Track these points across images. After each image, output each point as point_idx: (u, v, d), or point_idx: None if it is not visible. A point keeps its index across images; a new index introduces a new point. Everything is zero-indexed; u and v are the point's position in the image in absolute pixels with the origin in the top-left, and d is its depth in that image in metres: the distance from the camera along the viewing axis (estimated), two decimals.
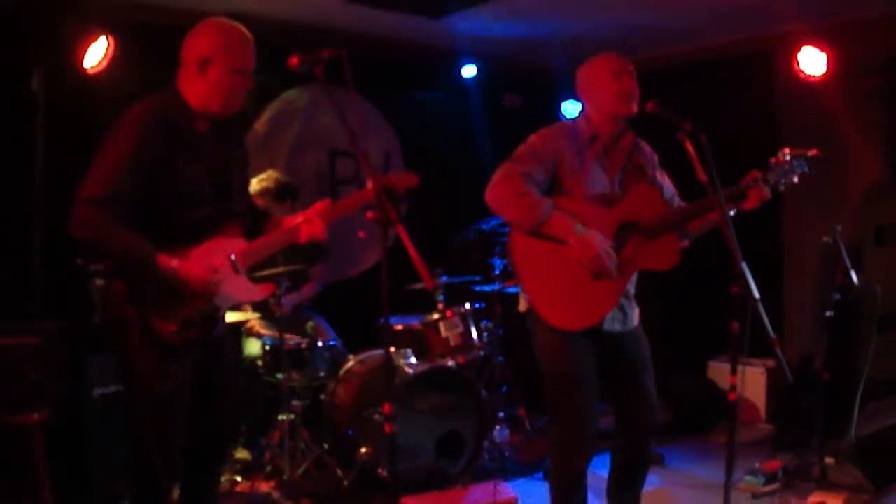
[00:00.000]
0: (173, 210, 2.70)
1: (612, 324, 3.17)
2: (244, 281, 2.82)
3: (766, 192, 3.03)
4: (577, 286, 3.06)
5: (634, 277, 3.25)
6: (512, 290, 5.11)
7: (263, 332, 4.75)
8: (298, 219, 2.93)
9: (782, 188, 3.06)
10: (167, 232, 2.69)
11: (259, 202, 4.70)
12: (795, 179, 3.05)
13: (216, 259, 2.73)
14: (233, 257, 2.78)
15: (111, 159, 2.60)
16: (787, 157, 3.01)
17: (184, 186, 2.70)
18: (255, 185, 4.71)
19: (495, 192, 3.07)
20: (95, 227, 2.56)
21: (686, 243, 3.24)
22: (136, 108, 2.69)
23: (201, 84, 2.73)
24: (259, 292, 2.94)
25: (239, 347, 4.82)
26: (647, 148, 3.35)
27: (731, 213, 3.10)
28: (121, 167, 2.59)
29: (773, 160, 3.04)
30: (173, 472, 2.84)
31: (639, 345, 3.26)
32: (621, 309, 3.19)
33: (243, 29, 2.82)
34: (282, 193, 4.78)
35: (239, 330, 4.81)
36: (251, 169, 3.18)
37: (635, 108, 3.12)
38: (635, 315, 3.28)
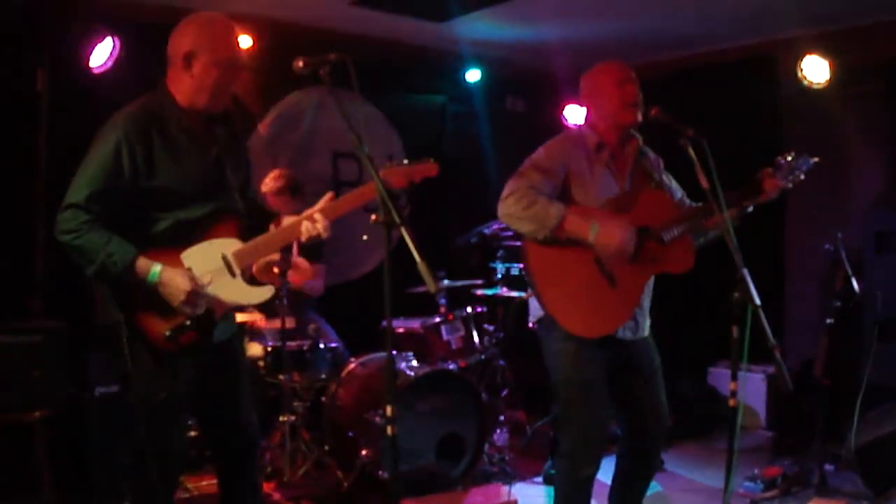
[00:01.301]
0: (162, 210, 2.65)
1: (624, 331, 3.18)
2: (240, 283, 2.72)
3: (781, 182, 3.06)
4: (594, 294, 3.07)
5: (650, 287, 3.26)
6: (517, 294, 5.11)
7: (265, 332, 4.76)
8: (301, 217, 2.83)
9: (790, 186, 3.10)
10: (157, 233, 2.65)
11: (276, 200, 4.72)
12: (802, 177, 3.12)
13: (209, 261, 2.66)
14: (228, 257, 2.70)
15: (91, 163, 2.59)
16: (792, 157, 3.06)
17: (171, 185, 2.64)
18: (269, 183, 4.76)
19: (505, 208, 3.08)
20: (73, 231, 2.54)
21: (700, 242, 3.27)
22: (119, 112, 2.67)
23: (187, 79, 2.70)
24: (258, 295, 2.80)
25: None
26: (651, 153, 3.37)
27: (749, 209, 3.13)
28: (100, 169, 2.58)
29: (779, 159, 3.08)
30: (171, 480, 2.80)
31: (649, 352, 3.27)
32: (633, 317, 3.20)
33: (226, 19, 2.77)
34: (296, 189, 4.83)
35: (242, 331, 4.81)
36: (252, 169, 3.09)
37: (640, 116, 3.13)
38: (646, 324, 3.29)
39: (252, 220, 2.87)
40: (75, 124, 4.65)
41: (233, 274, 2.70)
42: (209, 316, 2.68)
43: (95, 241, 2.54)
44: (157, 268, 2.58)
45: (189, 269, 2.62)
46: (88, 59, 4.53)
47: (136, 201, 2.63)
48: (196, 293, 2.58)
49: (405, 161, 2.88)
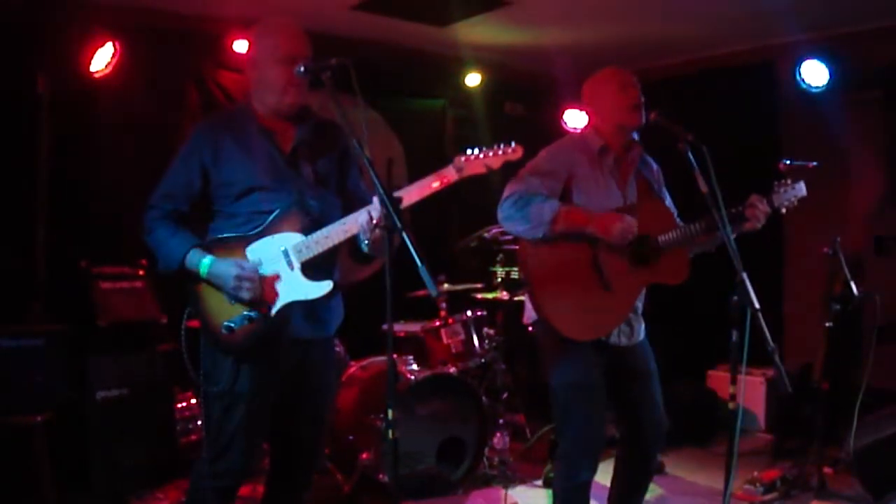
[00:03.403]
0: (235, 203, 2.74)
1: (618, 337, 3.19)
2: (298, 277, 2.69)
3: (763, 206, 3.06)
4: (589, 298, 3.08)
5: (643, 293, 3.27)
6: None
7: None
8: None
9: (784, 210, 3.12)
10: (233, 227, 2.74)
11: None
12: (796, 202, 3.13)
13: (270, 255, 2.69)
14: (287, 250, 2.69)
15: (168, 167, 2.78)
16: (789, 181, 3.08)
17: (240, 179, 2.72)
18: None
19: (502, 212, 3.12)
20: (147, 229, 2.75)
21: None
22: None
23: (255, 84, 2.80)
24: (315, 289, 2.72)
25: None
26: (653, 163, 3.38)
27: (733, 235, 3.12)
28: (171, 171, 2.77)
29: (776, 184, 3.09)
30: (225, 478, 2.76)
31: (645, 357, 3.28)
32: (628, 323, 3.21)
33: (280, 20, 2.81)
34: None
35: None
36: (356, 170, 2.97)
37: (642, 120, 3.15)
38: (641, 329, 3.30)
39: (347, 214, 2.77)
40: (76, 128, 4.68)
41: (291, 267, 2.70)
42: (264, 308, 2.68)
43: (162, 235, 2.72)
44: (207, 259, 2.66)
45: (244, 258, 2.69)
46: (89, 64, 4.54)
47: (214, 196, 2.77)
48: (241, 277, 2.62)
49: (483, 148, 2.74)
